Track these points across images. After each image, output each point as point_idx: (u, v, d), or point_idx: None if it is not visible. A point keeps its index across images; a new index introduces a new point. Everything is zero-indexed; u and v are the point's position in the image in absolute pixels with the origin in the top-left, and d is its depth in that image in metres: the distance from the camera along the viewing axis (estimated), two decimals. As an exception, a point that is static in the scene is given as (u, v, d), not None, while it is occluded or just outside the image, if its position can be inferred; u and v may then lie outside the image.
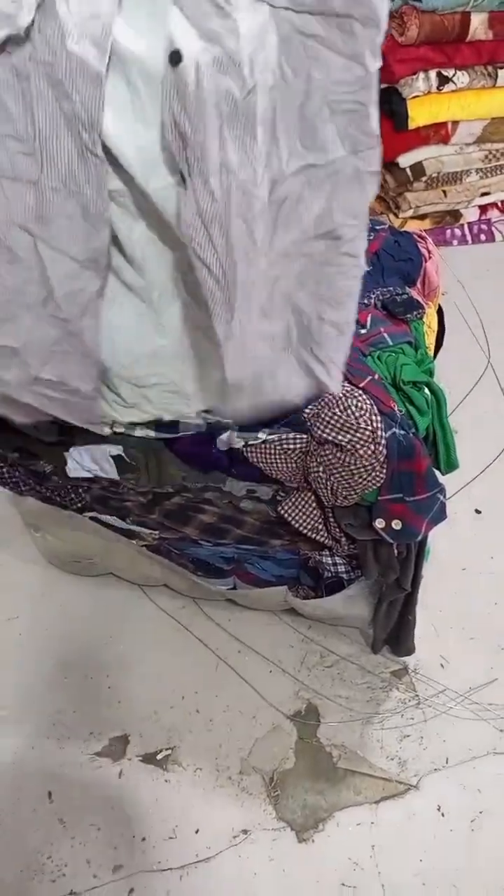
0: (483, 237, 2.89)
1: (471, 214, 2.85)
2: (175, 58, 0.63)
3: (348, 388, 1.04)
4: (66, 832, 1.27)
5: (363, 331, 1.16)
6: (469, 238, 2.87)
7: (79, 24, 0.63)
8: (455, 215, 2.84)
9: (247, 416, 0.95)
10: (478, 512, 1.80)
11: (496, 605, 1.62)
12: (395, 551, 1.20)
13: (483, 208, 2.87)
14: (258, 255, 0.71)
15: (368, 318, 1.16)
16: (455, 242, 2.85)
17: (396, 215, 2.78)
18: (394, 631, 1.40)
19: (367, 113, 0.69)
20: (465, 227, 2.87)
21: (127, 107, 0.67)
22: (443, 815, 1.32)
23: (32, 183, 0.69)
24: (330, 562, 1.34)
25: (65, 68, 0.63)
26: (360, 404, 1.03)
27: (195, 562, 1.46)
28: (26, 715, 1.44)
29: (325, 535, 1.21)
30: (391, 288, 1.22)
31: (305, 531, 1.20)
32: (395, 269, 1.25)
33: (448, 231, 2.85)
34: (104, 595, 1.63)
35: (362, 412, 1.02)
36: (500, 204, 2.87)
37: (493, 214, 2.88)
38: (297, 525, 1.19)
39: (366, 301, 1.19)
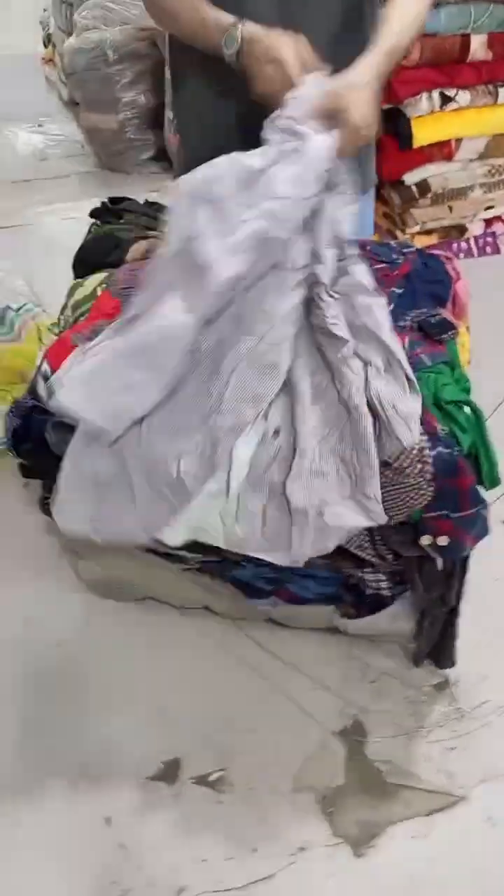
0: (489, 250, 2.94)
1: (476, 228, 2.90)
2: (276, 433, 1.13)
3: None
4: (127, 856, 1.29)
5: (402, 353, 1.20)
6: (475, 251, 2.92)
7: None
8: (461, 229, 2.90)
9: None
10: (504, 523, 1.83)
11: (530, 615, 1.65)
12: (440, 566, 1.23)
13: (488, 222, 2.92)
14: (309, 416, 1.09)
15: (406, 341, 1.20)
16: (461, 255, 2.90)
17: (403, 231, 2.83)
18: (436, 644, 1.42)
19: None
20: (471, 240, 2.92)
21: None
22: (493, 825, 1.34)
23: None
24: (372, 578, 1.37)
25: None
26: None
27: (236, 583, 1.48)
28: (76, 742, 1.45)
29: (372, 552, 1.24)
30: (424, 310, 1.26)
31: (352, 549, 1.23)
32: (426, 292, 1.29)
33: (454, 245, 2.90)
34: (145, 620, 1.65)
35: (409, 433, 1.07)
36: (504, 217, 2.93)
37: (498, 228, 2.93)
38: (344, 543, 1.21)
39: (402, 324, 1.23)
